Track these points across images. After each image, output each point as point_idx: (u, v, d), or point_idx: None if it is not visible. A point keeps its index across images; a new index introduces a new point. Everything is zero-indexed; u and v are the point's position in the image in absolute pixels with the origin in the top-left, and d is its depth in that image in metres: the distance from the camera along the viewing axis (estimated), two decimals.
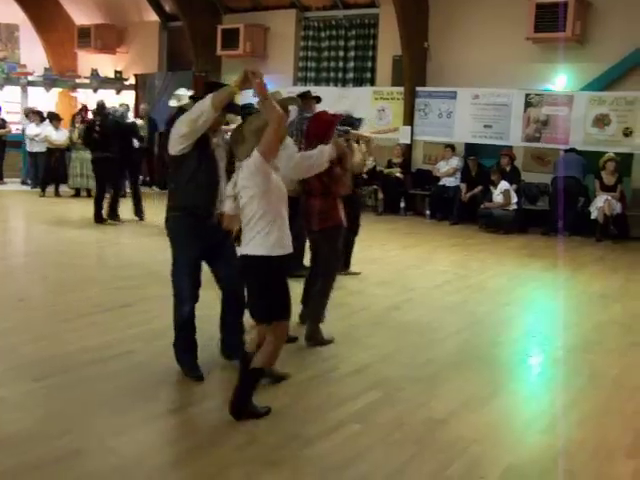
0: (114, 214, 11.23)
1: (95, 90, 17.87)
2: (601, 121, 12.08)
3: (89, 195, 13.63)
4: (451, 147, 13.44)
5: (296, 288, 5.44)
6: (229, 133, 4.49)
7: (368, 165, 13.27)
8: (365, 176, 12.99)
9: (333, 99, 12.33)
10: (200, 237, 4.49)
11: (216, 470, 3.48)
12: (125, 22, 18.51)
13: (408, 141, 14.05)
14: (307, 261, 6.20)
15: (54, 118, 14.84)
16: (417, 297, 7.27)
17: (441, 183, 13.37)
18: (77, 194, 14.27)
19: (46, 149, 14.62)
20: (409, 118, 13.93)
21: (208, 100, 4.19)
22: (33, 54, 19.04)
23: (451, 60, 13.65)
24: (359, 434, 3.92)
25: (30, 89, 17.84)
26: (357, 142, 6.46)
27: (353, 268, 8.00)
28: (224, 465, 3.52)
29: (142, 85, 17.42)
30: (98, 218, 10.93)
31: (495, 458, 3.73)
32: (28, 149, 15.30)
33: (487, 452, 3.79)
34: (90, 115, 13.79)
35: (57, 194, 14.22)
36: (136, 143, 12.00)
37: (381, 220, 12.80)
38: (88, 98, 17.46)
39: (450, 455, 3.72)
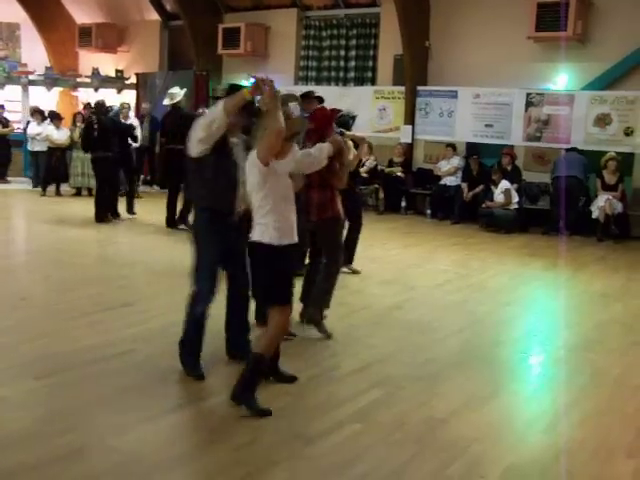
0: (114, 212, 11.25)
1: (96, 89, 17.87)
2: (602, 120, 12.08)
3: (90, 194, 13.62)
4: (452, 146, 13.43)
5: (296, 286, 5.48)
6: None
7: (368, 164, 13.34)
8: (365, 175, 13.06)
9: (334, 98, 12.29)
10: (222, 235, 4.52)
11: (217, 469, 3.48)
12: (126, 21, 18.51)
13: (409, 140, 14.04)
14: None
15: (55, 117, 14.84)
16: (418, 296, 7.27)
17: (442, 182, 13.36)
18: (78, 193, 14.27)
19: (47, 148, 14.62)
20: (410, 117, 13.93)
21: (220, 105, 4.27)
22: (34, 53, 19.04)
23: (452, 59, 13.64)
24: (360, 433, 3.92)
25: (31, 88, 17.83)
26: (354, 143, 6.54)
27: (355, 265, 7.99)
28: (225, 464, 3.52)
29: (143, 84, 17.42)
30: (99, 217, 10.93)
31: (496, 457, 3.73)
32: (29, 148, 15.30)
33: (488, 451, 3.79)
34: (86, 114, 13.85)
35: (58, 193, 14.22)
36: (134, 143, 12.04)
37: (382, 219, 12.79)
38: (90, 97, 17.47)
39: (451, 454, 3.72)
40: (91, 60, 18.90)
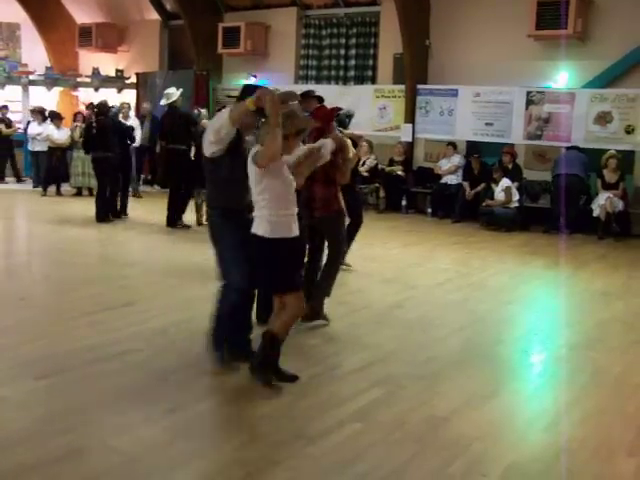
0: (115, 212, 11.26)
1: (96, 89, 17.87)
2: (603, 118, 12.07)
3: (91, 194, 13.63)
4: (453, 145, 13.42)
5: None
6: None
7: (369, 163, 13.34)
8: (366, 174, 13.06)
9: (334, 97, 12.30)
10: (240, 230, 4.53)
11: (217, 469, 3.48)
12: (126, 21, 18.49)
13: (410, 139, 14.03)
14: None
15: (55, 117, 14.84)
16: (419, 295, 7.27)
17: (443, 181, 13.35)
18: (79, 193, 14.28)
19: (48, 148, 14.62)
20: (410, 116, 13.92)
21: (226, 114, 4.37)
22: (34, 53, 19.02)
23: (452, 58, 13.62)
24: (361, 432, 3.91)
25: (31, 88, 17.84)
26: (353, 142, 6.61)
27: (348, 261, 7.94)
28: (225, 464, 3.51)
29: (143, 84, 17.41)
30: (100, 217, 10.93)
31: (497, 456, 3.73)
32: (30, 148, 15.30)
33: (489, 450, 3.79)
34: (88, 114, 13.86)
35: (59, 193, 14.22)
36: (132, 143, 12.06)
37: (382, 218, 12.78)
38: (90, 97, 17.47)
39: (452, 453, 3.71)
40: (91, 60, 18.89)
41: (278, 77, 15.33)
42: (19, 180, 15.89)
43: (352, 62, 15.27)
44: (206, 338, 4.79)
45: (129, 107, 14.50)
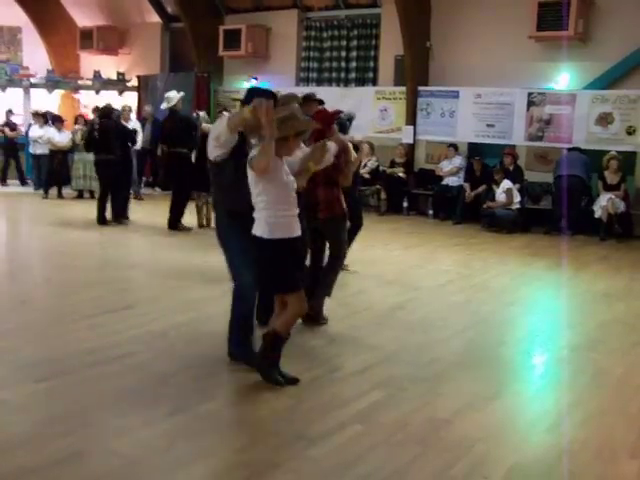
0: (118, 214, 11.25)
1: (97, 92, 17.88)
2: (604, 120, 12.06)
3: (92, 197, 13.64)
4: (454, 146, 13.41)
5: None
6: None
7: (370, 165, 13.33)
8: (367, 176, 13.05)
9: (335, 99, 12.30)
10: (246, 233, 4.51)
11: (217, 472, 3.46)
12: (127, 23, 18.52)
13: (411, 141, 14.03)
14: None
15: (57, 120, 14.85)
16: (420, 297, 7.25)
17: (444, 183, 13.34)
18: (80, 196, 14.28)
19: (49, 151, 14.63)
20: (411, 118, 13.92)
21: (224, 122, 4.41)
22: (36, 56, 19.06)
23: (453, 59, 13.62)
24: (362, 434, 3.89)
25: (33, 91, 17.86)
26: (354, 146, 6.64)
27: (348, 262, 7.91)
28: (225, 466, 3.50)
29: (145, 86, 17.42)
30: (101, 219, 10.93)
31: (499, 457, 3.71)
32: (31, 151, 15.31)
33: (491, 451, 3.77)
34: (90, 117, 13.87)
35: (60, 196, 14.23)
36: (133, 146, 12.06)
37: (384, 220, 12.78)
38: (91, 100, 17.50)
39: (454, 455, 3.69)
40: (92, 62, 18.92)
41: (279, 79, 15.34)
42: (23, 183, 15.90)
43: (353, 64, 15.28)
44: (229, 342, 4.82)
45: (130, 110, 14.51)
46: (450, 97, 13.50)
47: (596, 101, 12.10)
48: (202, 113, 11.73)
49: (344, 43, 15.35)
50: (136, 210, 11.95)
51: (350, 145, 6.27)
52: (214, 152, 4.54)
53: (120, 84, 18.09)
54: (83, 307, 6.27)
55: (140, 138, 13.65)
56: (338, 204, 5.85)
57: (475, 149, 13.38)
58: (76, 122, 14.90)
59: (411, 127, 13.92)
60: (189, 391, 4.38)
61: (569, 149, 12.08)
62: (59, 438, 3.66)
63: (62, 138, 14.55)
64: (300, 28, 15.88)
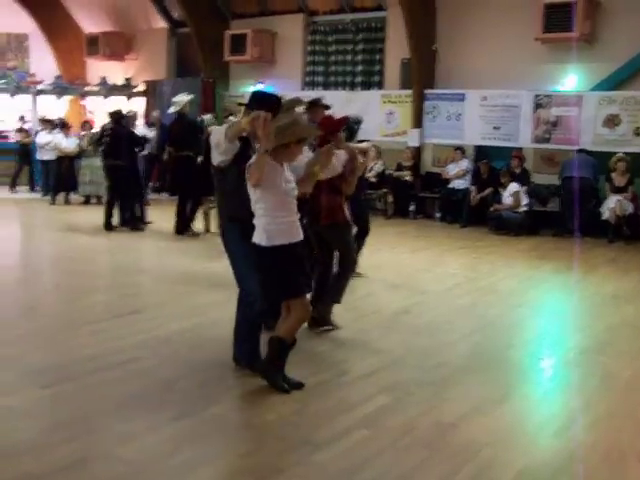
0: (141, 220, 11.31)
1: (105, 97, 17.93)
2: (611, 121, 12.01)
3: (99, 202, 13.66)
4: (460, 149, 13.38)
5: None
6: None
7: (376, 169, 13.31)
8: (374, 180, 13.03)
9: (341, 103, 12.30)
10: (249, 239, 4.50)
11: (222, 477, 3.46)
12: (133, 29, 18.57)
13: (417, 144, 14.00)
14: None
15: (64, 126, 14.90)
16: (428, 300, 7.23)
17: (450, 186, 13.31)
18: (87, 201, 14.30)
19: (56, 157, 14.66)
20: (418, 121, 13.90)
21: (223, 131, 4.40)
22: (43, 63, 19.14)
23: (459, 62, 13.58)
24: (368, 439, 3.87)
25: (40, 97, 17.94)
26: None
27: (360, 270, 7.91)
28: (230, 472, 3.49)
29: (152, 92, 17.46)
30: (109, 225, 10.94)
31: (507, 462, 3.68)
32: (39, 157, 15.34)
33: (499, 456, 3.74)
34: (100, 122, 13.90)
35: (67, 202, 14.26)
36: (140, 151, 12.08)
37: (391, 223, 12.76)
38: (98, 106, 17.57)
39: (461, 459, 3.67)
40: (99, 69, 18.98)
41: (285, 84, 15.35)
42: (33, 189, 15.95)
43: (359, 68, 15.27)
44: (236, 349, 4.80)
45: (135, 115, 14.51)
46: (456, 100, 13.47)
47: (603, 103, 12.05)
48: (208, 116, 11.74)
49: (350, 47, 15.35)
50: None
51: (357, 153, 6.18)
52: (217, 158, 4.54)
53: (127, 90, 18.14)
54: (90, 313, 6.28)
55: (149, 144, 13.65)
56: (340, 211, 5.80)
57: (482, 152, 13.35)
58: (83, 128, 14.93)
59: (417, 130, 13.90)
60: (194, 396, 4.37)
61: (577, 151, 12.03)
62: (64, 444, 3.66)
63: (69, 144, 14.58)
64: (306, 32, 15.89)
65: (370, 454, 3.70)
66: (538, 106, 12.64)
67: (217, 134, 4.50)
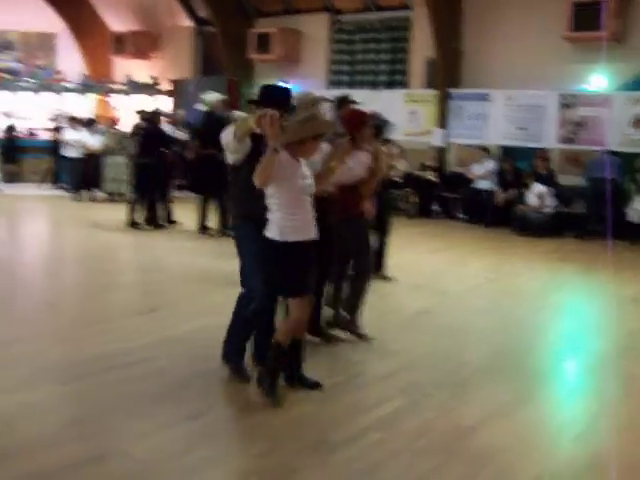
0: (169, 219, 11.35)
1: (129, 95, 18.05)
2: (639, 122, 11.82)
3: (123, 200, 13.72)
4: (485, 150, 13.28)
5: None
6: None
7: (401, 168, 13.22)
8: (398, 179, 12.95)
9: (365, 102, 12.22)
10: (259, 237, 4.46)
11: (235, 477, 3.44)
12: (159, 28, 18.67)
13: (441, 144, 13.92)
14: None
15: (89, 124, 15.01)
16: (448, 301, 7.17)
17: (475, 186, 13.20)
18: (111, 199, 14.37)
19: (81, 154, 14.76)
20: (442, 121, 13.81)
21: (232, 131, 4.35)
22: (70, 61, 19.36)
23: (485, 61, 13.47)
24: (384, 441, 3.84)
25: (67, 95, 18.11)
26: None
27: (388, 273, 7.82)
28: (243, 472, 3.47)
29: (177, 90, 17.53)
30: (132, 223, 10.99)
31: (524, 467, 3.63)
32: (64, 154, 15.45)
33: (515, 461, 3.69)
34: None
35: (92, 199, 14.35)
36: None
37: (413, 223, 12.68)
38: (123, 104, 17.69)
39: (477, 464, 3.62)
40: (125, 67, 19.10)
41: (310, 83, 15.31)
42: (61, 187, 16.07)
43: (384, 67, 15.21)
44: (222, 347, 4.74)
45: (170, 114, 14.57)
46: (481, 100, 13.36)
47: (631, 103, 11.87)
48: (237, 113, 11.71)
49: (375, 46, 15.31)
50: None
51: (382, 153, 5.88)
52: (229, 157, 4.51)
53: (152, 88, 18.24)
54: (108, 310, 6.32)
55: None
56: (354, 204, 5.46)
57: (507, 152, 13.22)
58: (108, 126, 15.00)
59: (441, 130, 13.80)
60: (209, 395, 4.36)
61: (603, 151, 11.86)
62: (78, 441, 3.67)
63: (94, 141, 14.66)
64: (331, 31, 15.86)
65: (385, 456, 3.66)
66: (564, 106, 12.49)
67: (226, 134, 4.45)
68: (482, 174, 13.14)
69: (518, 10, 12.99)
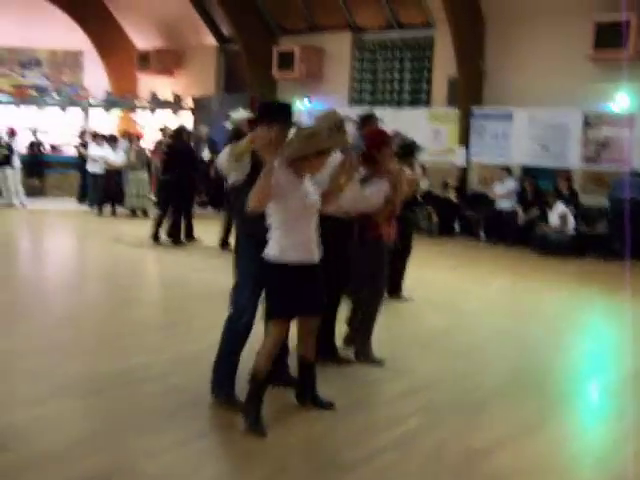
0: (189, 235, 11.34)
1: (153, 112, 18.22)
2: None
3: (145, 215, 13.81)
4: (507, 169, 13.19)
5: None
6: None
7: (422, 187, 13.18)
8: (420, 199, 12.90)
9: (387, 121, 12.20)
10: (257, 257, 4.41)
11: None
12: (183, 45, 18.86)
13: (463, 163, 13.86)
14: None
15: (113, 140, 15.15)
16: (467, 321, 7.10)
17: (496, 205, 13.11)
18: (133, 214, 14.45)
19: (104, 170, 14.88)
20: (464, 139, 13.76)
21: (228, 152, 4.30)
22: (96, 78, 19.64)
23: (507, 80, 13.43)
24: (396, 463, 3.78)
25: (92, 111, 18.33)
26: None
27: (405, 293, 7.76)
28: None
29: (200, 107, 17.66)
30: (155, 238, 11.01)
31: None
32: (88, 170, 15.57)
33: None
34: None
35: (114, 214, 14.44)
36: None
37: (434, 242, 12.61)
38: (146, 120, 17.85)
39: None
40: (149, 84, 19.29)
41: (332, 101, 15.34)
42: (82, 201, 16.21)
43: (406, 85, 15.22)
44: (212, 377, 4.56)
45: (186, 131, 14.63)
46: (504, 118, 13.31)
47: None
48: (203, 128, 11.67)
49: (397, 64, 15.33)
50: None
51: (402, 177, 5.62)
52: (231, 177, 4.45)
53: (175, 105, 18.39)
54: (125, 326, 6.31)
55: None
56: (373, 227, 5.34)
57: (529, 172, 13.13)
58: (131, 142, 15.13)
59: (464, 149, 13.75)
60: (220, 413, 4.32)
61: (628, 172, 11.73)
62: (91, 456, 3.66)
63: (117, 157, 14.79)
64: (353, 49, 15.91)
65: (398, 478, 3.60)
66: (587, 125, 12.39)
67: (222, 155, 4.40)
68: (504, 194, 13.05)
69: (541, 29, 12.95)
